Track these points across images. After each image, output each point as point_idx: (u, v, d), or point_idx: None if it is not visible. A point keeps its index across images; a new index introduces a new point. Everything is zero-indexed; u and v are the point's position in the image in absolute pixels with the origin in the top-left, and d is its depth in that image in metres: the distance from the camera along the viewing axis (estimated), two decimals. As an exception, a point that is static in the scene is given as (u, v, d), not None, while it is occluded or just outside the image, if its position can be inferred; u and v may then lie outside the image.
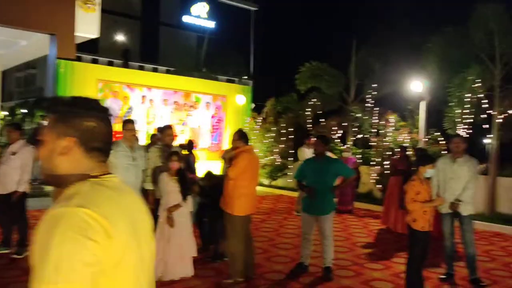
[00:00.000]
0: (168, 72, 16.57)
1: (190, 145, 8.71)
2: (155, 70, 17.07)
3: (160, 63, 20.15)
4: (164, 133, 5.90)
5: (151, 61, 20.20)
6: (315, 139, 5.83)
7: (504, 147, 10.30)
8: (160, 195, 5.29)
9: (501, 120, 9.96)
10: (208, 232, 6.17)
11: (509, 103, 9.75)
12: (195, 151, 9.17)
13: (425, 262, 5.05)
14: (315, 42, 20.31)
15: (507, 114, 9.80)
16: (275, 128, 14.76)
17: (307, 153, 9.33)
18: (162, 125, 7.35)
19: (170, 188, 5.14)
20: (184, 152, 8.04)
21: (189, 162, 7.80)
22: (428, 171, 4.76)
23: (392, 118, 12.36)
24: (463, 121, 10.29)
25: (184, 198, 5.15)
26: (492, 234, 8.58)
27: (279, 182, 14.58)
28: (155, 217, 5.29)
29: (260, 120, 15.29)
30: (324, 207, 5.48)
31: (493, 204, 9.90)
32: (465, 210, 5.30)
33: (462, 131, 10.10)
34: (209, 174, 6.51)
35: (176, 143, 8.57)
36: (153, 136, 8.15)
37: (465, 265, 5.49)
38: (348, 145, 13.11)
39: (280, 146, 14.57)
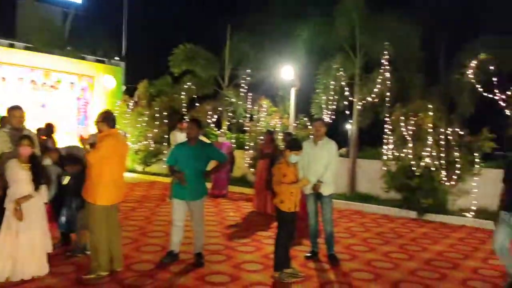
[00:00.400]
0: (26, 48, 14.86)
1: (49, 129, 7.90)
2: (11, 46, 15.17)
3: (17, 38, 18.00)
4: (10, 115, 5.15)
5: (6, 36, 17.94)
6: (188, 122, 5.63)
7: (362, 132, 11.23)
8: (8, 185, 4.63)
9: (360, 107, 10.82)
10: (68, 223, 5.59)
11: (368, 90, 10.60)
12: (54, 136, 8.33)
13: (292, 242, 5.23)
14: (190, 24, 19.95)
15: (365, 101, 10.67)
16: (148, 112, 14.20)
17: (179, 137, 9.06)
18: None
19: (19, 177, 4.53)
20: (42, 137, 7.26)
21: (47, 148, 7.05)
22: (292, 156, 4.89)
23: (265, 103, 12.71)
24: (328, 107, 10.96)
25: (37, 187, 4.58)
26: (352, 212, 9.33)
27: (153, 168, 14.12)
28: (1, 209, 4.63)
29: (132, 104, 14.57)
30: (195, 192, 5.34)
31: (354, 185, 10.76)
32: (326, 190, 5.59)
33: (327, 116, 10.77)
34: (73, 157, 5.77)
35: (34, 126, 7.70)
36: (2, 118, 7.16)
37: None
38: (223, 130, 13.17)
39: (154, 130, 14.08)
